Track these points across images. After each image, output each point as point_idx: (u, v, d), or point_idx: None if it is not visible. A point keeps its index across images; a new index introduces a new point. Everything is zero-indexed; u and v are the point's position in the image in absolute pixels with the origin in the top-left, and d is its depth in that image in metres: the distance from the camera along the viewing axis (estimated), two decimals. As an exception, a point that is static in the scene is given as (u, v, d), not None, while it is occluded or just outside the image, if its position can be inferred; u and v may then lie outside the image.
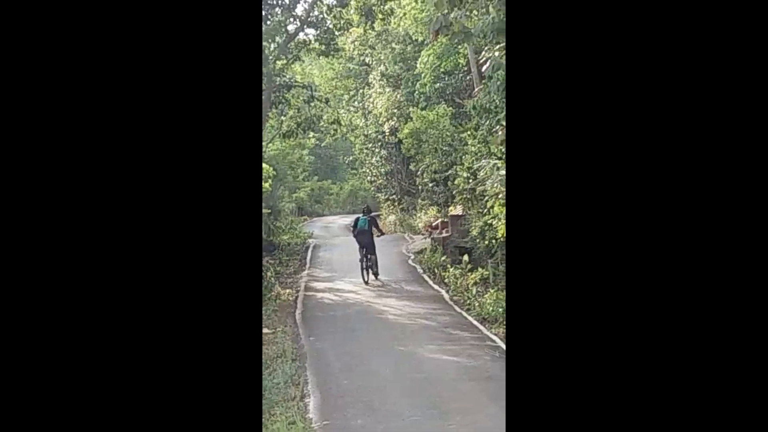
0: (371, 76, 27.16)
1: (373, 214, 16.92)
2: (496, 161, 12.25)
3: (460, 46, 19.19)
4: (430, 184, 21.54)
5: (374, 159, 28.21)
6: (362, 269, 15.66)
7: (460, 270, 14.94)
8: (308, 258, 20.03)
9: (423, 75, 21.09)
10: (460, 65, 21.14)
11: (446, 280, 15.01)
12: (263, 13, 16.67)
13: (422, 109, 20.89)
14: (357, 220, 16.09)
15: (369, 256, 15.70)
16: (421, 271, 16.85)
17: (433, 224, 19.69)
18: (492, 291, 12.50)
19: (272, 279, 15.77)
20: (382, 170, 27.77)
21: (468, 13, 9.67)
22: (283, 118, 20.24)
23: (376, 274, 15.84)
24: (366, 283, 15.50)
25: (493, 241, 13.04)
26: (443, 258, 16.71)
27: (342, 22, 18.04)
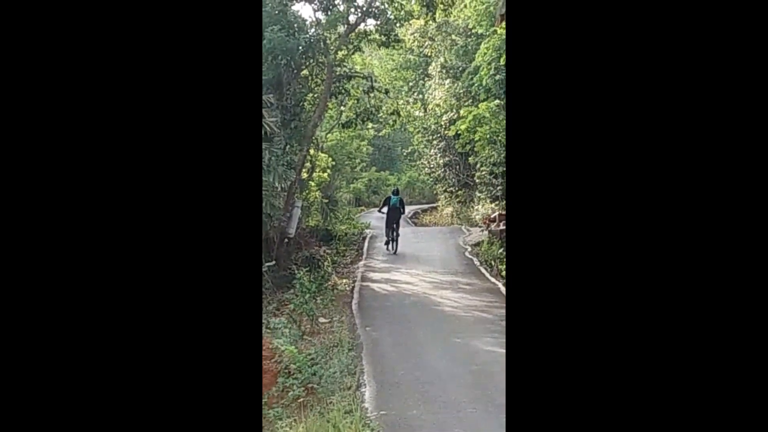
0: (431, 67, 27.02)
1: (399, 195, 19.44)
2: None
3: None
4: (489, 177, 21.37)
5: (432, 150, 28.11)
6: (390, 241, 18.68)
7: (517, 263, 14.78)
8: (365, 248, 20.07)
9: (481, 68, 20.88)
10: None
11: (503, 273, 14.86)
12: (324, 2, 16.77)
13: (480, 102, 20.70)
14: (389, 198, 18.85)
15: (397, 231, 18.57)
16: (478, 263, 16.79)
17: (491, 216, 19.55)
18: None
19: (329, 269, 15.88)
20: (441, 162, 27.64)
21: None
22: (342, 108, 20.35)
23: (395, 249, 18.62)
24: (394, 253, 18.47)
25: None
26: (500, 251, 16.55)
27: (403, 13, 18.13)
